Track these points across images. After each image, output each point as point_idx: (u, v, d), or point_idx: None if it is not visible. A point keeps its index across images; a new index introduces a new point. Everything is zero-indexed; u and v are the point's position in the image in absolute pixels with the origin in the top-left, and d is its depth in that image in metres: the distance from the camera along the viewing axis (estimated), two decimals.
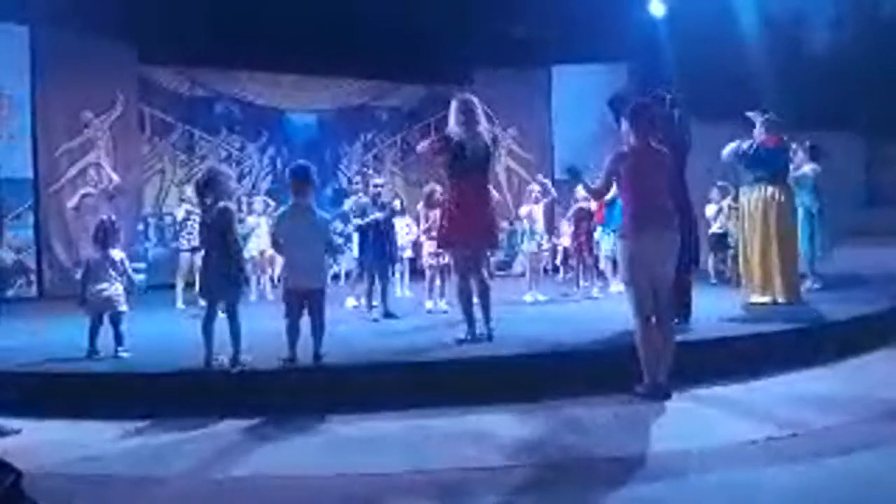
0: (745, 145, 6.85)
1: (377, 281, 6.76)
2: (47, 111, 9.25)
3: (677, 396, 4.44)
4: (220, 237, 4.73)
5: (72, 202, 8.62)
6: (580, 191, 7.99)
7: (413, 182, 11.74)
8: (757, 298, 6.72)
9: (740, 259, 7.06)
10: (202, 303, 7.34)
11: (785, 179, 6.89)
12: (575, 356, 4.93)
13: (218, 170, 5.22)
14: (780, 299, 6.64)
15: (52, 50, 9.16)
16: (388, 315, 6.64)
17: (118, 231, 5.41)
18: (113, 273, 5.15)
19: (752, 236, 6.81)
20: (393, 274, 7.58)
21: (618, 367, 4.63)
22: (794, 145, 7.88)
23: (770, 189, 6.77)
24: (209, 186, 4.80)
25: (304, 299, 4.75)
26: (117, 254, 5.24)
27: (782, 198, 6.77)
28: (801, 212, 7.75)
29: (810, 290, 7.63)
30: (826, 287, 7.79)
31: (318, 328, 4.76)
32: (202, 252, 5.18)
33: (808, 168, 7.85)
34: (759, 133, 6.85)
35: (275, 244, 4.98)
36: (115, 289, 5.16)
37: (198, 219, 7.31)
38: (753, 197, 6.84)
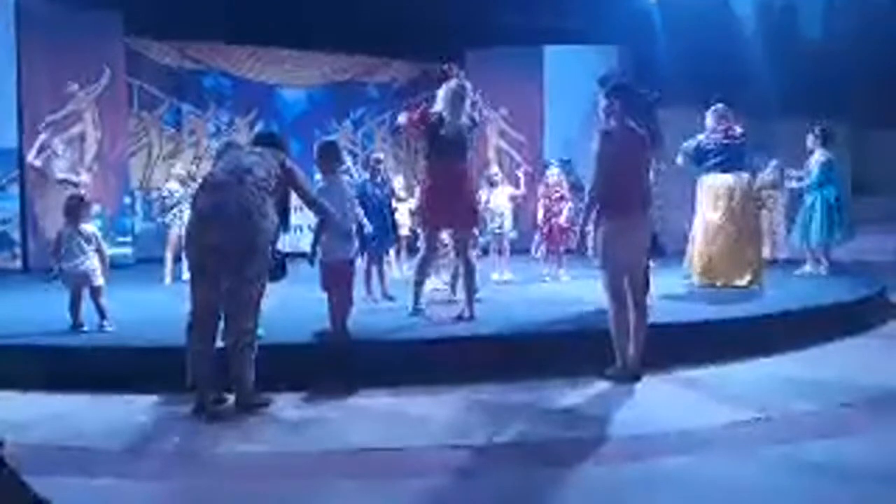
0: (692, 143, 6.89)
1: (375, 261, 6.60)
2: (32, 82, 9.14)
3: (648, 380, 4.44)
4: None
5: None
6: (551, 175, 8.03)
7: (402, 160, 11.71)
8: (705, 281, 6.78)
9: (690, 243, 7.07)
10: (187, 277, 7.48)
11: (740, 168, 6.89)
12: (550, 337, 4.96)
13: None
14: (739, 284, 6.69)
15: (38, 20, 9.03)
16: (385, 297, 6.50)
17: (88, 205, 5.36)
18: (86, 247, 5.07)
19: (708, 222, 6.84)
20: (387, 253, 7.45)
21: (591, 348, 4.64)
22: (810, 136, 7.93)
23: (724, 177, 6.80)
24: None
25: (339, 270, 4.71)
26: (89, 227, 5.17)
27: (737, 185, 6.80)
28: (818, 198, 7.80)
29: (812, 274, 7.76)
30: (809, 273, 7.87)
31: (347, 302, 4.76)
32: None
33: (818, 154, 7.88)
34: (710, 124, 6.87)
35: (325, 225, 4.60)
36: (90, 263, 5.08)
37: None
38: (708, 184, 6.88)
